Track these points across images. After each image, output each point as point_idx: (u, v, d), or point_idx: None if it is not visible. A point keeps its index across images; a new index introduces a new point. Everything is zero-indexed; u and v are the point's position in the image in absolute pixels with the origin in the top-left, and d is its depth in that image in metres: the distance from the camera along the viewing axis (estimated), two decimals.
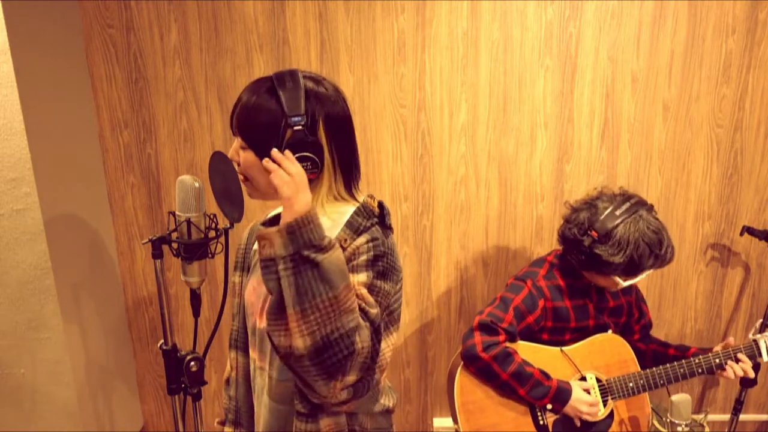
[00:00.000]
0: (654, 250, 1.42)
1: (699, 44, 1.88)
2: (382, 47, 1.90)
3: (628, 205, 1.46)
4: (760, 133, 1.95)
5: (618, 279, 1.49)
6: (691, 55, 1.89)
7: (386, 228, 0.98)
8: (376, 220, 0.96)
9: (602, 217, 1.46)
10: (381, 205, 0.99)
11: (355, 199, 1.01)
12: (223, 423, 1.25)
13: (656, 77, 1.91)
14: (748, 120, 1.94)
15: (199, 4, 1.87)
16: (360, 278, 0.93)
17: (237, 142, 0.99)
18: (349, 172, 1.00)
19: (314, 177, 0.93)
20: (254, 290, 1.08)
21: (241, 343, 1.16)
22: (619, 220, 1.43)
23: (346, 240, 0.93)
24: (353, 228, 0.94)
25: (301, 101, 0.91)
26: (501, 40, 1.88)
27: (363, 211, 0.96)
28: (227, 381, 1.23)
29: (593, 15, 1.86)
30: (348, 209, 0.98)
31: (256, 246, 1.13)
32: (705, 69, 1.90)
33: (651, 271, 1.49)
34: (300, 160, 0.90)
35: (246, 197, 1.04)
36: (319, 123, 0.93)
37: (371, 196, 1.00)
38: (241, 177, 1.01)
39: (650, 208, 1.48)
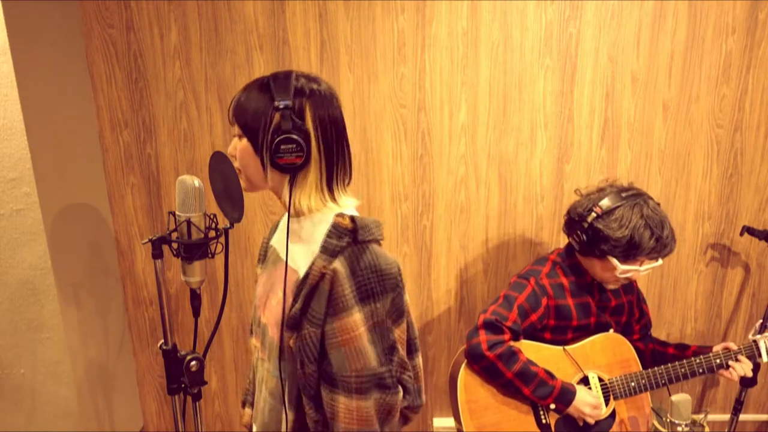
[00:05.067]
0: (655, 232, 1.44)
1: (699, 44, 1.88)
2: (382, 47, 1.90)
3: (633, 191, 1.51)
4: (760, 133, 1.95)
5: (615, 261, 1.48)
6: (691, 55, 1.89)
7: (359, 244, 0.95)
8: (348, 238, 0.95)
9: (607, 197, 1.50)
10: (353, 219, 0.97)
11: (336, 202, 1.00)
12: (243, 405, 1.29)
13: (656, 77, 1.91)
14: (748, 120, 1.94)
15: (199, 4, 1.87)
16: (356, 318, 0.93)
17: (234, 133, 1.02)
18: (337, 171, 1.00)
19: (299, 162, 0.93)
20: (263, 283, 1.11)
21: None
22: (622, 201, 1.48)
23: (325, 266, 0.93)
24: (328, 252, 0.94)
25: (290, 90, 0.95)
26: (501, 40, 1.88)
27: (335, 231, 0.96)
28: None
29: (593, 15, 1.86)
30: (323, 222, 0.99)
31: (273, 240, 1.16)
32: (705, 69, 1.90)
33: (649, 264, 1.49)
34: (285, 142, 0.92)
35: (246, 197, 1.04)
36: (306, 112, 0.95)
37: (341, 215, 0.98)
38: (237, 170, 1.03)
39: (655, 201, 1.52)
